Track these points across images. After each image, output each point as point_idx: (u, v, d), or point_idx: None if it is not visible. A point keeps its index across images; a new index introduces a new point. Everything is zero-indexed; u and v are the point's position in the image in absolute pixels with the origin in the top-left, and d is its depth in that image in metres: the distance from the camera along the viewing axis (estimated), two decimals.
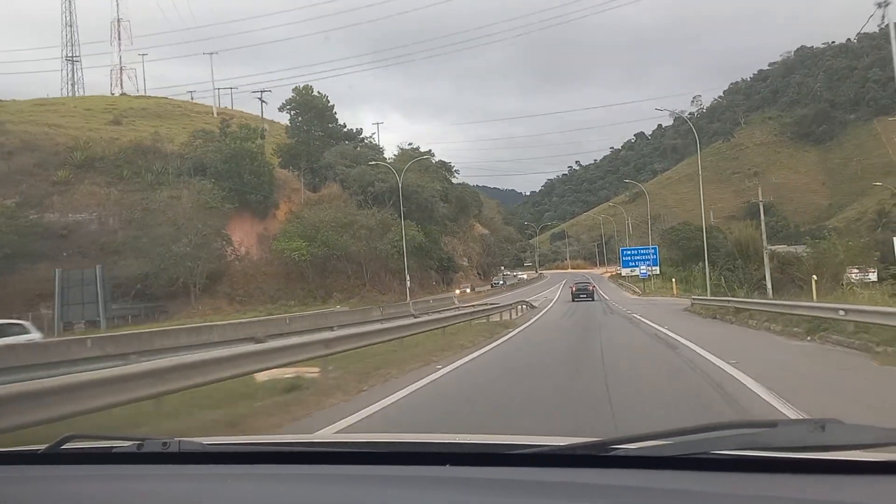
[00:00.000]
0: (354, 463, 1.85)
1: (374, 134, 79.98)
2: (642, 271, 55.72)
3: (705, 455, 1.56)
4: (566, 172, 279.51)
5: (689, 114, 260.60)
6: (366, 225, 58.26)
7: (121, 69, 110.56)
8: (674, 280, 54.22)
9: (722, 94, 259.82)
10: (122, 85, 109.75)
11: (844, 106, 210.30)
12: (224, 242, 58.42)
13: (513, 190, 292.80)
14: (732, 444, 1.56)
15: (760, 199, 62.12)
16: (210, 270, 56.54)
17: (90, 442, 2.08)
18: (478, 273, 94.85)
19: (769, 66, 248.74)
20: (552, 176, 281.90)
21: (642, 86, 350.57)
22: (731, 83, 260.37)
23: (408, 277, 45.05)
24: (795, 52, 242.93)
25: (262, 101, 69.73)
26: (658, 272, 60.05)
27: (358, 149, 70.20)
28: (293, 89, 70.10)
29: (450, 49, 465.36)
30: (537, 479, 1.60)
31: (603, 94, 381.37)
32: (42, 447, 1.97)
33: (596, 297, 52.54)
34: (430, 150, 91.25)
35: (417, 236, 61.10)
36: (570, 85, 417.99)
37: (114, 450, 1.96)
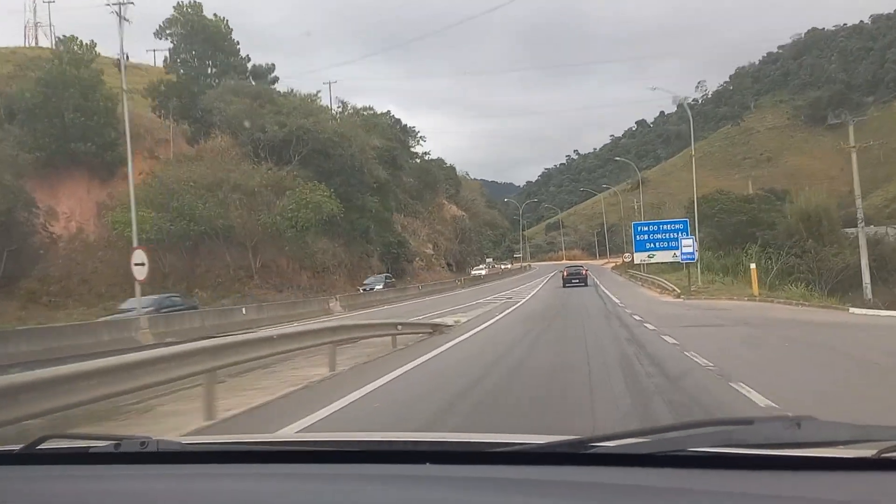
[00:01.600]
0: (334, 461, 1.76)
1: (319, 92, 58.07)
2: (685, 253, 32.24)
3: (683, 452, 1.50)
4: (563, 162, 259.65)
5: (694, 100, 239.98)
6: (242, 185, 36.02)
7: (35, 24, 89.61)
8: (753, 269, 29.79)
9: (728, 78, 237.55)
10: (36, 40, 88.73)
11: (861, 88, 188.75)
12: (30, 213, 36.73)
13: (510, 183, 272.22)
14: (709, 442, 1.51)
15: (852, 143, 39.95)
16: (12, 254, 34.91)
17: (67, 441, 1.96)
18: (448, 264, 72.50)
19: (778, 48, 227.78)
20: (549, 166, 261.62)
21: (645, 75, 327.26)
22: (738, 67, 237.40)
23: (139, 270, 20.29)
24: (806, 33, 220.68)
25: (122, 18, 46.81)
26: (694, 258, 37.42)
27: (263, 88, 47.30)
28: (174, 7, 47.82)
29: (450, 39, 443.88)
30: (517, 478, 1.54)
31: (604, 85, 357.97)
32: (18, 447, 1.85)
33: (590, 282, 44.13)
34: (389, 112, 69.00)
35: (326, 203, 38.52)
36: (571, 77, 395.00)
37: (91, 450, 1.85)
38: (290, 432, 5.96)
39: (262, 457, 1.84)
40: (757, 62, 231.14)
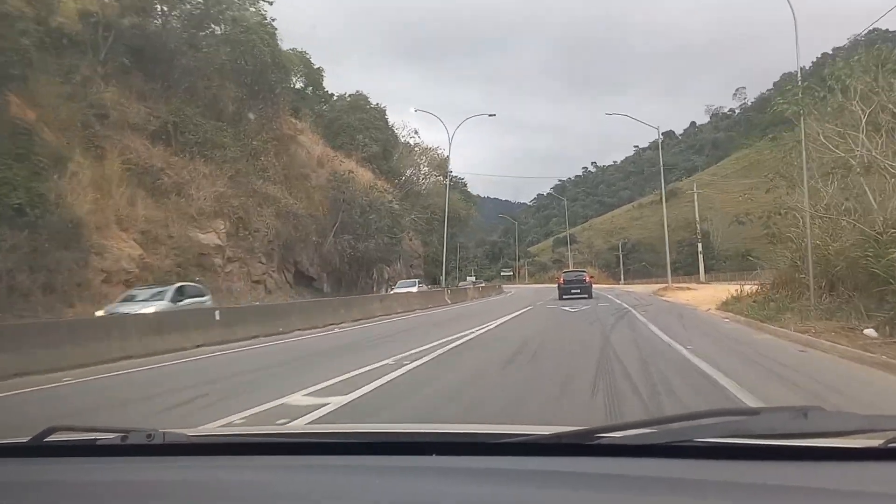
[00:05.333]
0: (339, 454, 1.67)
1: None
2: None
3: (689, 443, 1.43)
4: (579, 174, 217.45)
5: (730, 109, 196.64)
6: None
7: None
8: None
9: (772, 85, 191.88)
10: None
11: None
12: None
13: (524, 203, 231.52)
14: (715, 432, 1.43)
15: None
16: None
17: (73, 434, 1.85)
18: (309, 277, 29.26)
19: (833, 50, 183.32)
20: (563, 177, 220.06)
21: (679, 85, 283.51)
22: (784, 73, 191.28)
23: None
24: (867, 34, 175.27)
25: None
26: None
27: None
28: None
29: (478, 52, 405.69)
30: (523, 469, 1.48)
31: (633, 99, 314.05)
32: (25, 439, 1.76)
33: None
34: None
35: None
36: (600, 94, 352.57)
37: (98, 442, 1.77)
38: (297, 424, 5.20)
39: (267, 449, 1.74)
40: (808, 66, 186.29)
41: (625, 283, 77.99)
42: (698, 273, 59.35)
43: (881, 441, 1.38)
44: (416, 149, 57.12)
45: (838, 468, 1.38)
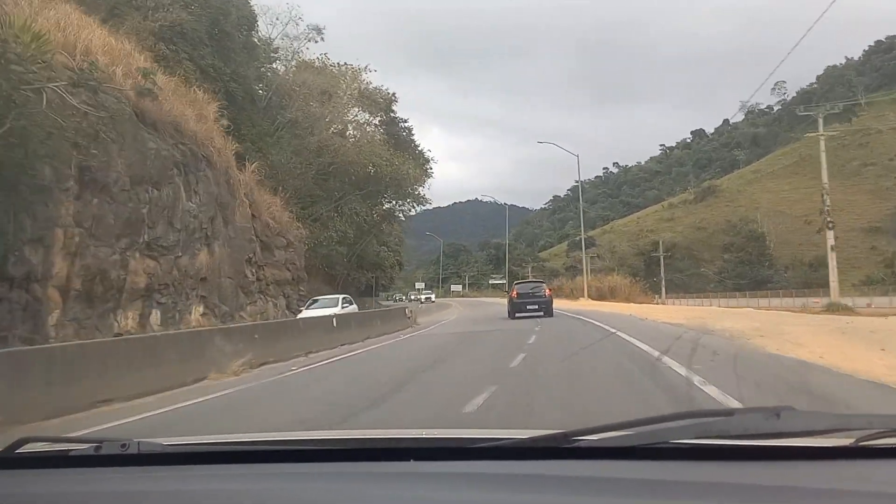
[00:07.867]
0: (317, 461, 1.64)
1: None
2: None
3: (664, 444, 1.43)
4: (600, 175, 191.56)
5: (767, 106, 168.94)
6: None
7: None
8: None
9: (815, 78, 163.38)
10: None
11: None
12: None
13: (543, 208, 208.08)
14: (690, 434, 1.43)
15: None
16: None
17: (46, 445, 1.78)
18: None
19: (886, 38, 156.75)
20: (582, 178, 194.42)
21: (713, 86, 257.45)
22: (828, 66, 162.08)
23: None
24: None
25: None
26: None
27: None
28: None
29: (499, 59, 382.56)
30: (501, 472, 1.46)
31: (659, 112, 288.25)
32: None
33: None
34: None
35: None
36: (622, 103, 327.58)
37: (71, 453, 1.70)
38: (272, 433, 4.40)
39: (243, 457, 1.70)
40: (857, 57, 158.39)
41: (667, 299, 52.13)
42: (825, 288, 33.17)
43: (852, 440, 1.37)
44: (324, 64, 32.06)
45: (811, 467, 1.36)
